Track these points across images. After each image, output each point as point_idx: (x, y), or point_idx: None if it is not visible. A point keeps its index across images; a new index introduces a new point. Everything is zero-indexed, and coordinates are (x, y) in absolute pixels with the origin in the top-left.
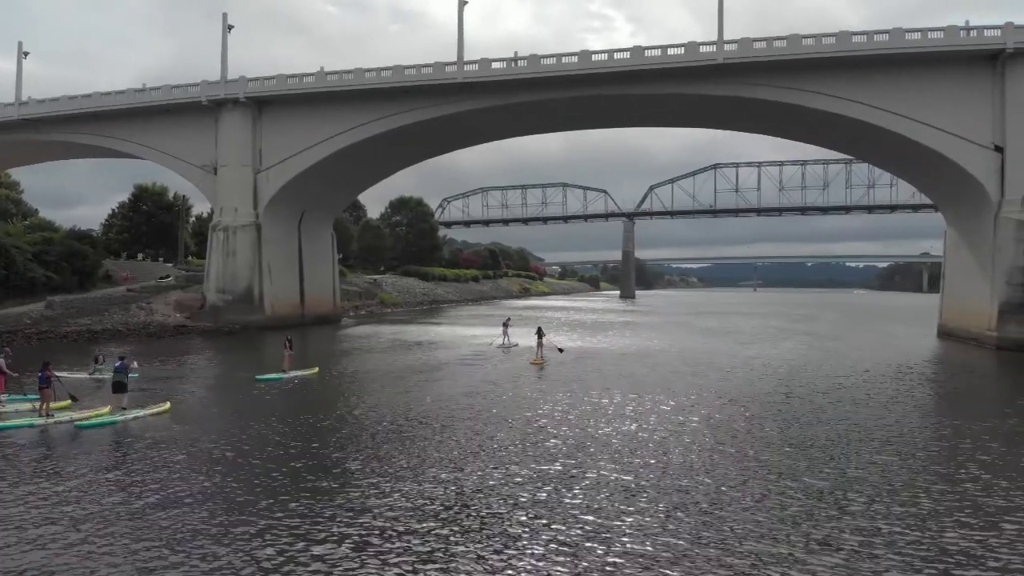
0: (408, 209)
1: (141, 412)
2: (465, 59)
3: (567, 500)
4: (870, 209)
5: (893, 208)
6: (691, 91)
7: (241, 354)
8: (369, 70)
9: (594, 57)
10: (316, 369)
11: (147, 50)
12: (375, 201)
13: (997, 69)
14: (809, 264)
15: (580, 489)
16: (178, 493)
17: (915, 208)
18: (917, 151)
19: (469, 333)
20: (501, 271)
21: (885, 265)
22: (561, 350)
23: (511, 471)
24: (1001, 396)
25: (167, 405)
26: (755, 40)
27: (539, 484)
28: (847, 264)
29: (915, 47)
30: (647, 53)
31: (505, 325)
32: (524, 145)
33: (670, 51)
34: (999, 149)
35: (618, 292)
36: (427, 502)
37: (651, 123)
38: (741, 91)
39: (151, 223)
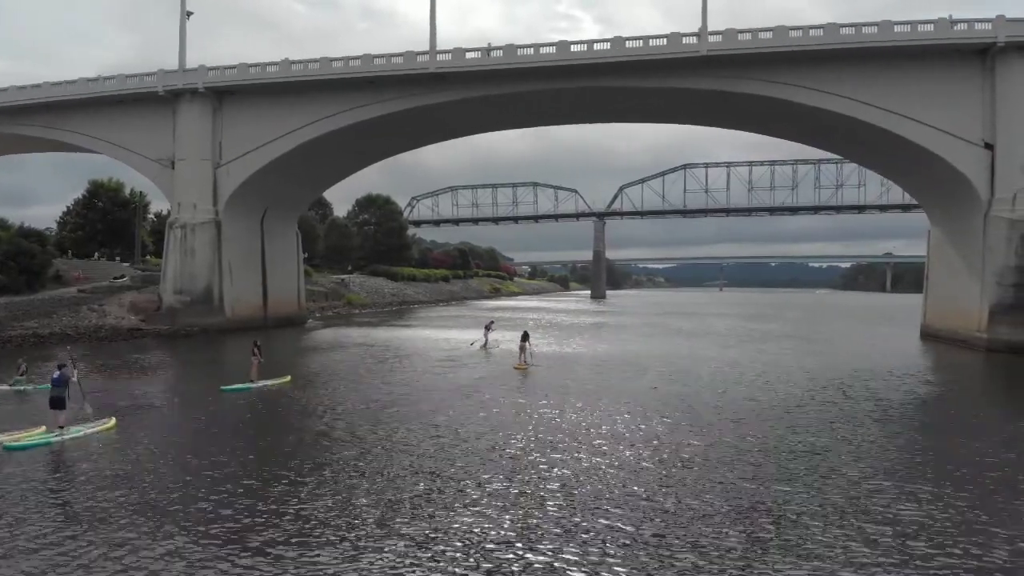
0: (376, 207)
1: (81, 431)
2: (437, 49)
3: (569, 567)
4: (838, 209)
5: (861, 208)
6: (673, 84)
7: (201, 360)
8: (336, 59)
9: (573, 48)
10: (288, 378)
11: (111, 46)
12: (342, 199)
13: (987, 64)
14: (773, 264)
15: (581, 545)
16: (94, 550)
17: (883, 208)
18: (904, 148)
19: (443, 337)
20: (471, 271)
21: (848, 265)
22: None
23: (501, 524)
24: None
25: (112, 421)
26: (740, 32)
27: (535, 541)
28: (810, 264)
29: (904, 40)
30: (628, 44)
31: (487, 328)
32: (494, 144)
33: (652, 42)
34: (989, 146)
35: (588, 292)
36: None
37: (631, 118)
38: (725, 85)
39: (106, 220)
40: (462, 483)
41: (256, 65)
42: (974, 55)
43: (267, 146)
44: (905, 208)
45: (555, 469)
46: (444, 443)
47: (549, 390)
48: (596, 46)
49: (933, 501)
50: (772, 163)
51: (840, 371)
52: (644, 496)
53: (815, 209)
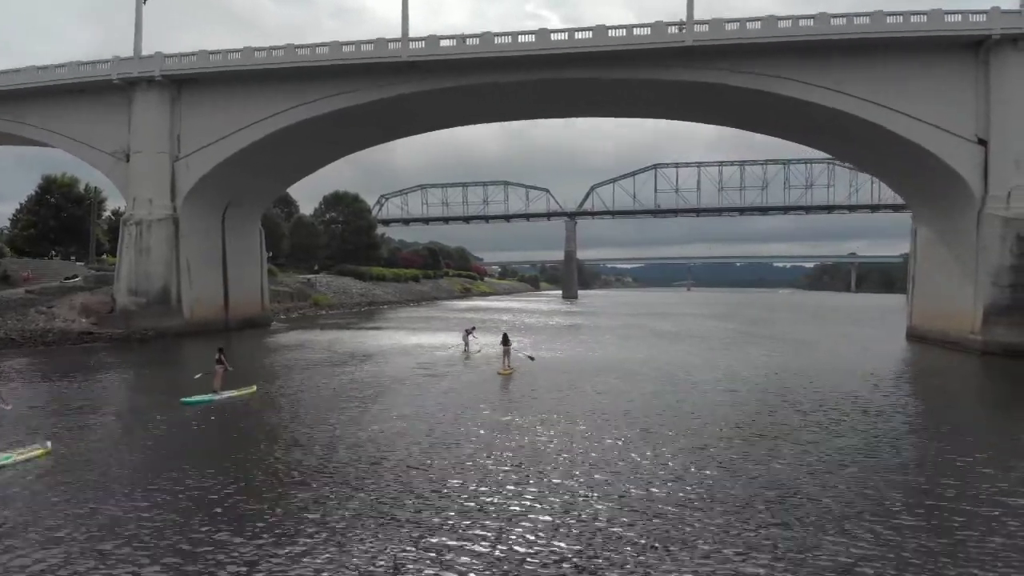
0: (344, 205)
1: (10, 457)
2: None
3: None
4: (808, 210)
5: (830, 209)
6: (658, 76)
7: (157, 367)
8: (302, 46)
9: (553, 36)
10: (254, 388)
11: (72, 41)
12: (308, 197)
13: (981, 57)
14: (738, 264)
15: None
16: None
17: (851, 208)
18: (895, 144)
19: (416, 341)
20: (441, 271)
21: (811, 265)
22: (532, 358)
23: None
24: None
25: (48, 446)
26: (727, 21)
27: None
28: (775, 264)
29: (896, 31)
30: (611, 33)
31: (468, 332)
32: (465, 142)
33: (636, 31)
34: (982, 142)
35: (559, 292)
36: None
37: (613, 112)
38: (710, 77)
39: (60, 218)
40: (447, 539)
41: (217, 52)
42: (967, 48)
43: (228, 138)
44: (873, 208)
45: (545, 521)
46: (425, 480)
47: (539, 404)
48: (578, 35)
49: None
50: (742, 163)
51: (841, 379)
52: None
53: (785, 209)
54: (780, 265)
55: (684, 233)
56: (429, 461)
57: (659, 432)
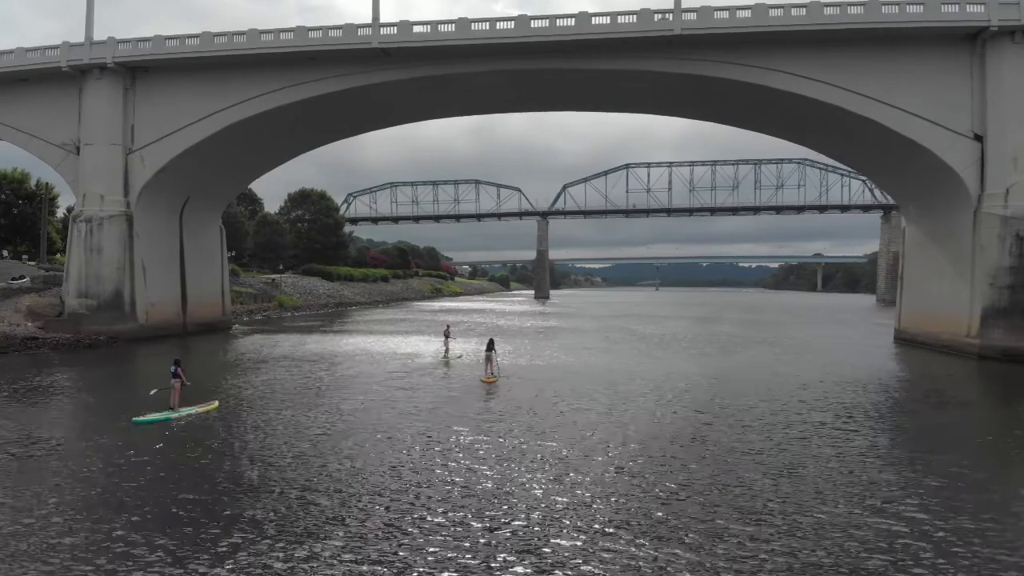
0: (310, 203)
1: None
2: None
3: None
4: (778, 210)
5: (800, 209)
6: (642, 67)
7: (107, 377)
8: (266, 32)
9: (533, 23)
10: (216, 403)
11: (30, 33)
12: (273, 195)
13: (977, 50)
14: (704, 264)
15: None
16: None
17: (822, 209)
18: (888, 139)
19: (388, 344)
20: (411, 271)
21: (776, 265)
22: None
23: None
24: None
25: None
26: (716, 9)
27: None
28: (740, 264)
29: (891, 21)
30: (595, 21)
31: (447, 335)
32: (435, 140)
33: (620, 19)
34: (979, 138)
35: (531, 292)
36: None
37: (592, 107)
38: (699, 68)
39: (10, 215)
40: None
41: (174, 38)
42: (963, 40)
43: (187, 129)
44: (844, 208)
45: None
46: (403, 517)
47: (530, 421)
48: (559, 22)
49: None
50: (713, 163)
51: (848, 387)
52: None
53: (756, 209)
54: (746, 265)
55: (653, 233)
56: (404, 499)
57: (672, 466)
